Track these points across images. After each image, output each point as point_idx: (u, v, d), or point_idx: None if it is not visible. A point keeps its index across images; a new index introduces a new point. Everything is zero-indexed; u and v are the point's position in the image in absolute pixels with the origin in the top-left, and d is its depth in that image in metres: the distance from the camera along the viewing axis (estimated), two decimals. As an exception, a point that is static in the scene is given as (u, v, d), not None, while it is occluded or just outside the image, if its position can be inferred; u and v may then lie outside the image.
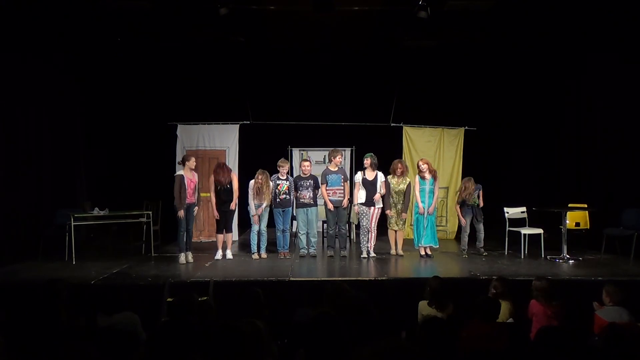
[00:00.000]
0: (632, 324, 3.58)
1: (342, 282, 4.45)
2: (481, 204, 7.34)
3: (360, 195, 7.09)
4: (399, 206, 7.25)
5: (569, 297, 4.37)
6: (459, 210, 7.44)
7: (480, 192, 7.35)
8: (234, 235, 8.60)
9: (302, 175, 7.25)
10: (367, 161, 7.09)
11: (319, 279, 5.81)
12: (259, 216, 7.10)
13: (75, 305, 3.99)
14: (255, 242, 7.23)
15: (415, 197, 7.25)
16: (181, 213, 6.63)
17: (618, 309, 4.00)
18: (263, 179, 7.02)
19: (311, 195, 7.15)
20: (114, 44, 8.29)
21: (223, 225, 7.09)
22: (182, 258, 6.75)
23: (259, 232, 7.16)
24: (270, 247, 7.34)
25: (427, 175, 7.19)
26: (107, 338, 2.97)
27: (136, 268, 6.37)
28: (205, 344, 2.67)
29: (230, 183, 7.05)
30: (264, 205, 7.08)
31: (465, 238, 7.34)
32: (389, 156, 7.62)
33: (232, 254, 7.18)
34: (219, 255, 7.05)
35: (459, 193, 7.50)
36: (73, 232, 6.80)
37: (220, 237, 7.12)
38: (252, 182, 7.13)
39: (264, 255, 7.14)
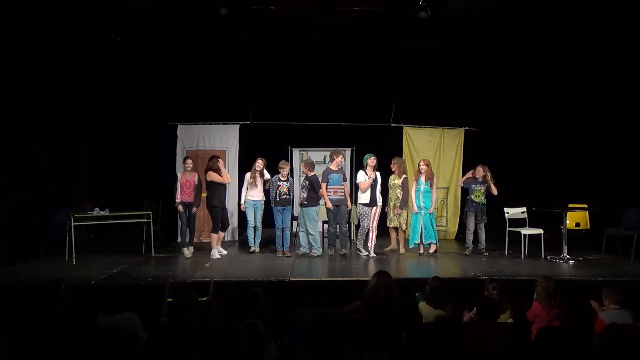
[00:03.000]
0: (633, 325, 3.58)
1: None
2: (494, 190, 7.31)
3: (364, 195, 7.13)
4: (392, 202, 7.39)
5: (569, 298, 4.36)
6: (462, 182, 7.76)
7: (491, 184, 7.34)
8: (235, 235, 8.75)
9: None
10: (373, 160, 7.13)
11: (319, 279, 5.81)
12: (253, 209, 7.41)
13: (76, 305, 3.98)
14: (252, 236, 7.49)
15: (411, 197, 7.28)
16: (179, 208, 7.19)
17: (622, 312, 3.95)
18: (264, 163, 7.36)
19: (305, 195, 7.11)
20: (114, 44, 8.29)
21: (219, 223, 7.19)
22: (186, 252, 7.08)
23: (254, 227, 7.46)
24: (270, 245, 7.35)
25: (423, 177, 7.22)
26: (107, 338, 2.96)
27: (136, 268, 6.37)
28: (205, 344, 2.67)
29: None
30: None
31: (469, 236, 7.41)
32: (389, 156, 7.63)
33: (232, 254, 7.24)
34: (215, 254, 7.09)
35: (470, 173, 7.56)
36: (73, 232, 6.79)
37: (215, 236, 7.20)
38: (248, 174, 7.40)
39: (256, 248, 7.39)
